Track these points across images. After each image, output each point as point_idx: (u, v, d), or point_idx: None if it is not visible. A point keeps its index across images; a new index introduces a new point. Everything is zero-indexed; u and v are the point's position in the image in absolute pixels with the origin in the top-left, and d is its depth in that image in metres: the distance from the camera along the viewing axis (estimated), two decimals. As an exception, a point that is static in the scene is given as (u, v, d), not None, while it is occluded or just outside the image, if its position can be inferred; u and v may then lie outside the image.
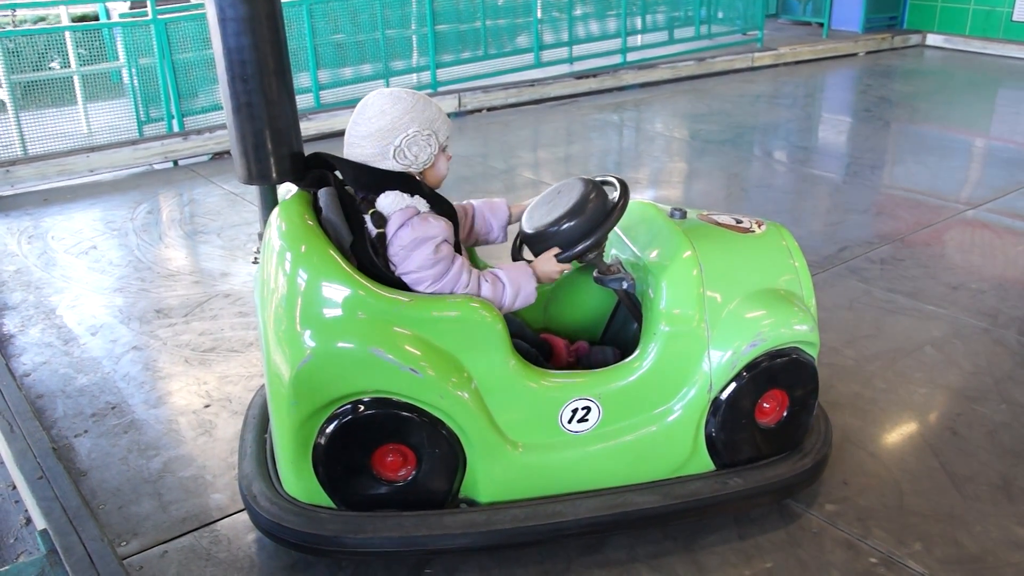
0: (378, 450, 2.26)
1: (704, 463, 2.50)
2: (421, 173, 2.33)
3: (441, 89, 8.05)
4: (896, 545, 2.46)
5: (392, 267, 2.23)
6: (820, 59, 10.69)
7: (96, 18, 8.55)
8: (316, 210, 2.31)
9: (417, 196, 2.25)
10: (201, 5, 6.61)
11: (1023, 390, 3.26)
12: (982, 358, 3.50)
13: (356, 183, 2.29)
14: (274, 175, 2.40)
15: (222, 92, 2.35)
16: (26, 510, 2.74)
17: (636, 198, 2.56)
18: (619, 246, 2.65)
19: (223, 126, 6.36)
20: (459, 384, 2.21)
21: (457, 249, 2.33)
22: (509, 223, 2.62)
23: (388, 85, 7.53)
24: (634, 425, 2.40)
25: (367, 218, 2.23)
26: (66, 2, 7.55)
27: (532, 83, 8.50)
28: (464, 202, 2.60)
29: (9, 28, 7.54)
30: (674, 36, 10.10)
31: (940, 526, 2.54)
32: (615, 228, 2.43)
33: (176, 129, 6.68)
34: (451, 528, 2.28)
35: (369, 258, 2.20)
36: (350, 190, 2.32)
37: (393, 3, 7.64)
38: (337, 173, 2.34)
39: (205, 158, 6.66)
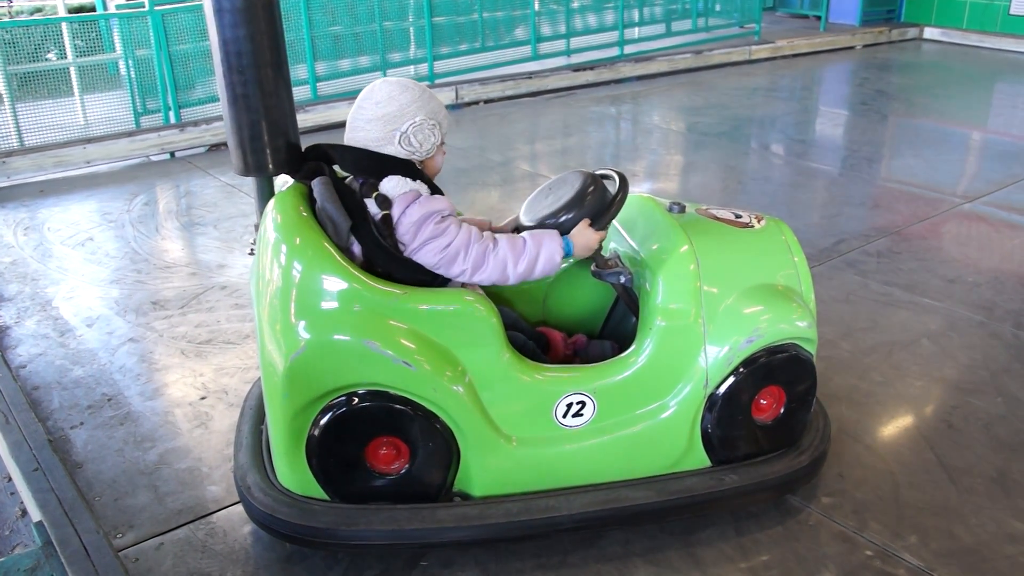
0: (372, 443, 2.26)
1: (700, 459, 2.49)
2: (421, 163, 2.33)
3: (438, 81, 8.03)
4: (892, 538, 2.46)
5: (401, 247, 2.22)
6: (817, 52, 10.70)
7: (93, 9, 8.53)
8: (311, 202, 2.31)
9: (419, 181, 2.26)
10: (197, -4, 6.60)
11: (1019, 383, 3.27)
12: (978, 351, 3.51)
13: (357, 167, 2.28)
14: (270, 167, 2.40)
15: (218, 83, 2.34)
16: (22, 502, 2.74)
17: (634, 191, 2.55)
18: (617, 239, 2.65)
19: (220, 118, 6.34)
20: (453, 378, 2.21)
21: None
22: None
23: (386, 76, 7.51)
24: (629, 420, 2.39)
25: (370, 202, 2.23)
26: (62, -7, 7.55)
27: (529, 75, 8.49)
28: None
29: (6, 19, 7.51)
30: (671, 29, 10.12)
31: (936, 519, 2.55)
32: (613, 222, 2.43)
33: (173, 121, 6.68)
34: (444, 521, 2.28)
35: (374, 239, 2.19)
36: (347, 181, 2.31)
37: (390, -5, 7.65)
38: (335, 167, 2.33)
39: (202, 150, 6.65)
